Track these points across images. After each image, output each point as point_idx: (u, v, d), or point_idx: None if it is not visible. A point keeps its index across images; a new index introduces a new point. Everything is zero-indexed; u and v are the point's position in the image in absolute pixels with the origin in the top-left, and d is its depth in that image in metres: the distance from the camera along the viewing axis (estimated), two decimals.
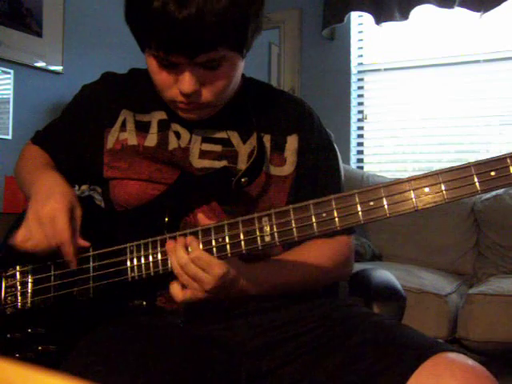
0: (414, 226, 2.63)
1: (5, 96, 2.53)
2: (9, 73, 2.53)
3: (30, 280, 0.94)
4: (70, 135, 1.06)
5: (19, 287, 0.94)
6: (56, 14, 2.72)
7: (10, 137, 2.52)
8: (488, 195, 2.57)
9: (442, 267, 2.53)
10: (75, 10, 2.82)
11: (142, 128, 1.00)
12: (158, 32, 0.81)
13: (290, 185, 0.99)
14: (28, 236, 0.86)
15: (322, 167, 1.02)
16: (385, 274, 1.24)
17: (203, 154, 0.97)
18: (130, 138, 0.99)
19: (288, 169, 0.99)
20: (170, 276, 0.83)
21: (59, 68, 2.75)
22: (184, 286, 0.81)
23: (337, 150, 1.11)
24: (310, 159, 1.01)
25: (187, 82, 0.86)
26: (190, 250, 0.80)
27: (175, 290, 0.82)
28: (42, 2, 2.64)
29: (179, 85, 0.87)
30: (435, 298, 2.03)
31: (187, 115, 0.95)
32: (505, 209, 2.47)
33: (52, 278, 0.93)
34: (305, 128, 1.02)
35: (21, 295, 0.94)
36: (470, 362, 0.76)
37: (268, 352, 0.89)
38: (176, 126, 0.99)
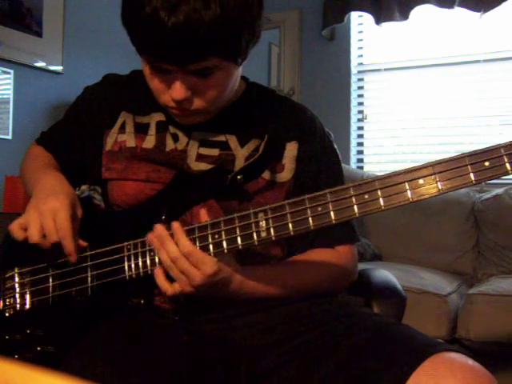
0: (414, 226, 2.63)
1: (5, 96, 2.53)
2: (9, 73, 2.53)
3: (28, 281, 0.94)
4: (71, 136, 1.08)
5: (18, 289, 0.94)
6: (56, 14, 2.72)
7: (9, 137, 2.52)
8: (488, 195, 2.57)
9: (442, 267, 2.52)
10: (75, 10, 2.82)
11: (141, 130, 1.00)
12: (148, 38, 0.80)
13: (287, 191, 0.98)
14: (24, 225, 0.87)
15: (325, 174, 1.02)
16: (385, 273, 1.23)
17: (200, 158, 0.97)
18: (129, 140, 0.99)
19: (286, 175, 0.98)
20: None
21: (59, 68, 2.75)
22: (171, 279, 0.82)
23: (339, 154, 1.10)
24: (311, 166, 1.00)
25: (178, 89, 0.85)
26: (179, 245, 0.80)
27: (162, 282, 0.83)
28: (42, 2, 2.65)
29: (171, 91, 0.86)
30: (435, 298, 2.02)
31: (181, 120, 0.95)
32: (505, 209, 2.47)
33: (50, 278, 0.93)
34: (306, 135, 1.01)
35: (19, 297, 0.94)
36: (470, 361, 0.75)
37: (267, 351, 0.88)
38: (174, 128, 0.99)
